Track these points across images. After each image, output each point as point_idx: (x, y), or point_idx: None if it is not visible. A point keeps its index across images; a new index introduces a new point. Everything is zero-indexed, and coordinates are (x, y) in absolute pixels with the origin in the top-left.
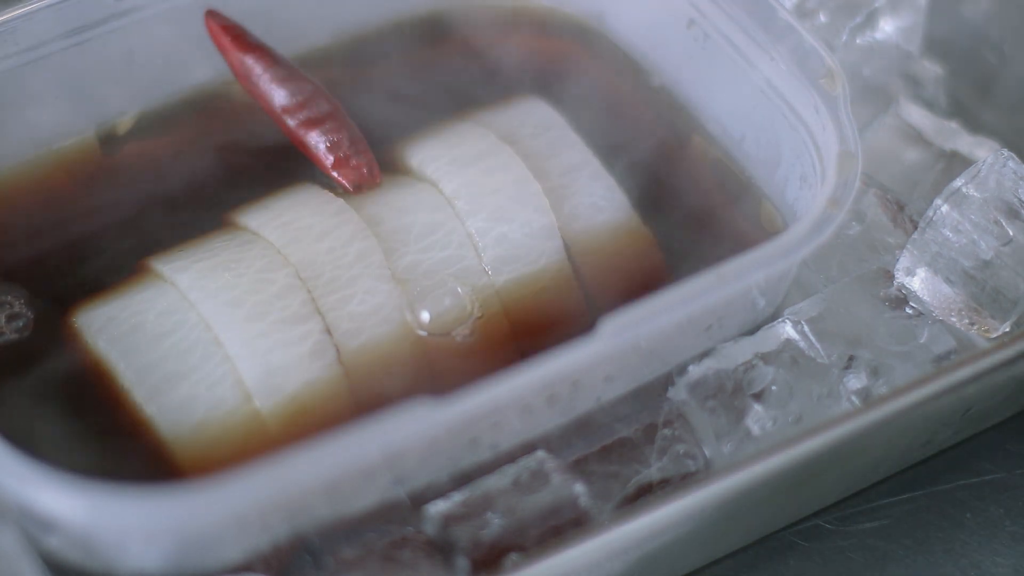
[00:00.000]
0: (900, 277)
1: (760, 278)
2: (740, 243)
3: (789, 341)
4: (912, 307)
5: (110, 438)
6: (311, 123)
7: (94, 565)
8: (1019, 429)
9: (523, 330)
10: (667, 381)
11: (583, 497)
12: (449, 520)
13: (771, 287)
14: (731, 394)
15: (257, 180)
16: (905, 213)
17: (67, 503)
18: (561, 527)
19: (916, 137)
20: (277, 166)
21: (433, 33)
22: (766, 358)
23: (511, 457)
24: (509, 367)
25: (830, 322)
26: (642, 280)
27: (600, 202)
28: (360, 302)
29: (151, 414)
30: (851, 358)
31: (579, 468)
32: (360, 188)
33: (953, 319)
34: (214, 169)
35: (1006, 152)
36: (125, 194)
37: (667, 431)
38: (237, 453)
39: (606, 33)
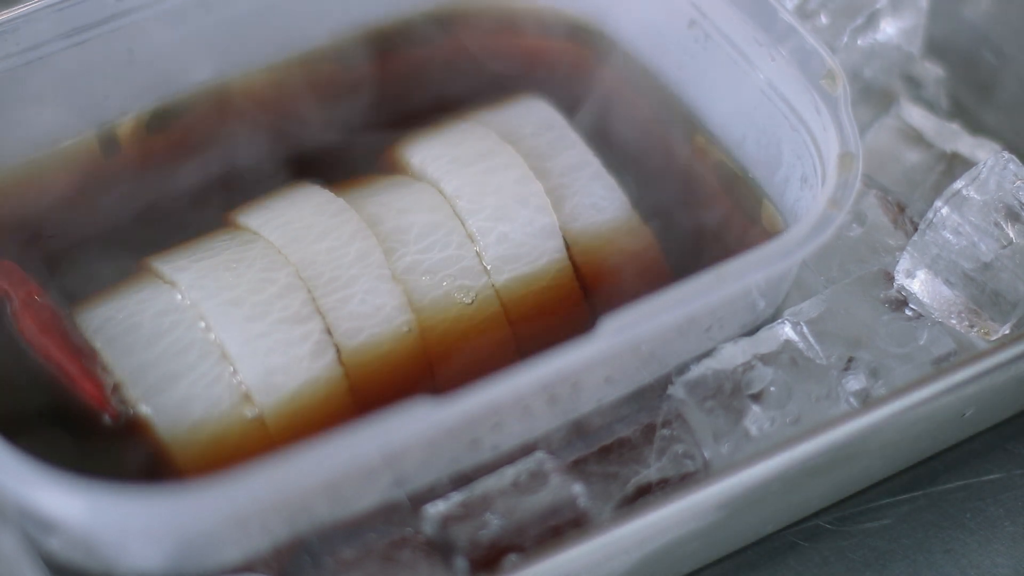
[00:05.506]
0: (900, 279)
1: (760, 278)
2: (740, 243)
3: (788, 342)
4: (912, 309)
5: (109, 438)
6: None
7: (94, 566)
8: (1019, 430)
9: (523, 330)
10: (666, 381)
11: (582, 497)
12: (448, 521)
13: (771, 288)
14: (730, 395)
15: (257, 180)
16: (906, 215)
17: (67, 504)
18: (560, 527)
19: (917, 138)
20: (277, 166)
21: (433, 33)
22: (765, 359)
23: (511, 458)
24: (509, 367)
25: (830, 323)
26: (642, 280)
27: (600, 202)
28: (360, 302)
29: (148, 414)
30: (850, 359)
31: (578, 469)
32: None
33: (953, 321)
34: (214, 169)
35: (1007, 154)
36: (125, 194)
37: (666, 431)
38: (236, 453)
39: (606, 33)
